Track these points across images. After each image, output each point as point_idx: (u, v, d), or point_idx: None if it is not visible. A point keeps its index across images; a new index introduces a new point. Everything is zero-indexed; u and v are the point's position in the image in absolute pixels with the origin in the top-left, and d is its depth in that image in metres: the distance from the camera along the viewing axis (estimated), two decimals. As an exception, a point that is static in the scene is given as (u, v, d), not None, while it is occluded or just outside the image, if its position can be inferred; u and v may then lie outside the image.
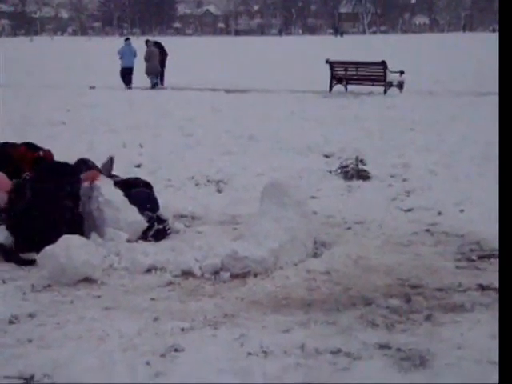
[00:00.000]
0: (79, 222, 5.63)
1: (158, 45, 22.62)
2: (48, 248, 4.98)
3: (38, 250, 5.04)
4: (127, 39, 23.06)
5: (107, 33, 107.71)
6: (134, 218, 5.82)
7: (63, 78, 23.88)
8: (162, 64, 22.31)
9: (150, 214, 6.00)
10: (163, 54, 22.39)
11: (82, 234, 5.44)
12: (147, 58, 21.67)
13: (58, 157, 9.10)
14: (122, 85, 21.49)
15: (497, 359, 3.38)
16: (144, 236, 5.82)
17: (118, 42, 23.80)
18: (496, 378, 3.18)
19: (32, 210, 5.47)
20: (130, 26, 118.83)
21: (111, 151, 9.67)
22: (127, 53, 21.86)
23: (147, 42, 22.49)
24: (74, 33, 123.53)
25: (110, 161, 6.78)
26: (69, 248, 4.93)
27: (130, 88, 21.28)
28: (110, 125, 12.63)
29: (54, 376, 3.49)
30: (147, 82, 21.63)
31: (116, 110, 15.19)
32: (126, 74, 21.71)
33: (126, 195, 5.95)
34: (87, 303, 4.52)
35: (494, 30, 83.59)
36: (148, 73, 21.77)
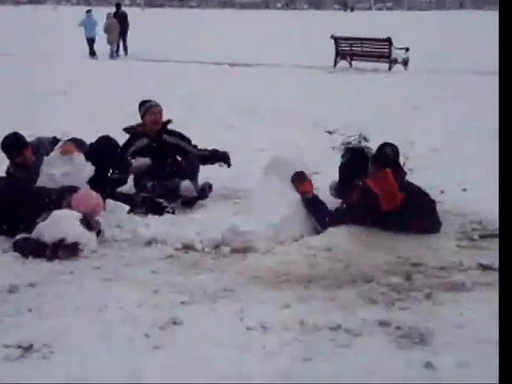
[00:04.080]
0: None
1: (123, 15, 24.02)
2: (41, 224, 4.93)
3: None
4: (88, 11, 24.37)
5: (110, 2, 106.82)
6: None
7: (65, 48, 23.74)
8: (123, 34, 23.79)
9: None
10: (125, 25, 23.79)
11: None
12: (107, 30, 23.30)
13: (61, 125, 9.11)
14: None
15: (496, 338, 3.37)
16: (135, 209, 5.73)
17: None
18: (495, 357, 3.17)
19: None
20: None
21: (113, 123, 9.67)
22: (88, 24, 23.32)
23: (108, 14, 23.90)
24: (78, 3, 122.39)
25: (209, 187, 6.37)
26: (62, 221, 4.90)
27: (94, 57, 22.65)
28: (112, 96, 12.55)
29: (52, 346, 3.48)
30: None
31: (117, 81, 15.08)
32: (89, 44, 23.22)
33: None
34: (87, 274, 4.51)
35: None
36: (109, 42, 23.32)
